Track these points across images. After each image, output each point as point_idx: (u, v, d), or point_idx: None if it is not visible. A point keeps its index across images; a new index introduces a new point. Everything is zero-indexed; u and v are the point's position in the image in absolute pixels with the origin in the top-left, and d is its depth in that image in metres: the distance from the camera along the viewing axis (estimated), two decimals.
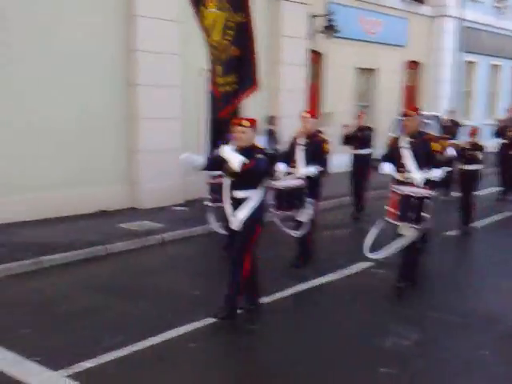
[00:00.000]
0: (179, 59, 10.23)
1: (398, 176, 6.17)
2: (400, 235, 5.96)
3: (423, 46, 17.65)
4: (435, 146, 6.26)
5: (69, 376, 4.24)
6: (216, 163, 5.34)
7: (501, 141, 11.98)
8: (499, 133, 12.08)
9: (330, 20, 13.36)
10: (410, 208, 5.77)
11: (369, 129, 9.85)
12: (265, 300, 5.73)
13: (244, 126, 5.15)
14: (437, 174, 6.13)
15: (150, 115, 9.81)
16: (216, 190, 6.87)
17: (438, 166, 6.21)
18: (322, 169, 6.79)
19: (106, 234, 8.04)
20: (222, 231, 6.82)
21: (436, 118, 12.67)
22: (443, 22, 17.94)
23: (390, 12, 15.92)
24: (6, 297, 5.94)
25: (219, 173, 5.86)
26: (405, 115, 6.43)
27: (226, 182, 5.27)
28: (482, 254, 8.18)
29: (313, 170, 6.74)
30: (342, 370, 4.46)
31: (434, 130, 9.31)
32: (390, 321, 5.39)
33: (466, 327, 5.32)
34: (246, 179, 5.09)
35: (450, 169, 8.82)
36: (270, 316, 5.50)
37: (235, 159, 5.00)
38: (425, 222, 5.89)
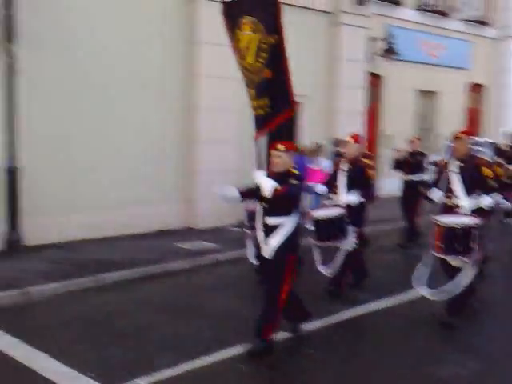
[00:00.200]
0: (238, 84, 10.37)
1: (446, 201, 5.86)
2: (454, 269, 5.58)
3: (487, 69, 17.19)
4: (486, 172, 5.90)
5: None
6: (252, 191, 5.11)
7: None
8: None
9: (389, 43, 13.26)
10: (456, 240, 5.39)
11: (421, 154, 9.54)
12: (317, 324, 5.65)
13: (279, 151, 4.98)
14: (486, 201, 5.74)
15: (208, 138, 9.99)
16: (253, 217, 6.76)
17: (490, 192, 5.81)
18: (362, 199, 6.52)
19: (163, 252, 8.19)
20: (253, 260, 6.71)
21: (489, 143, 12.11)
22: (509, 44, 17.45)
23: (452, 35, 15.64)
24: (66, 312, 6.11)
25: None
26: (455, 138, 6.09)
27: (259, 208, 5.13)
28: None
29: (353, 198, 6.49)
30: None
31: (487, 156, 8.90)
32: (448, 349, 5.19)
33: None
34: (278, 205, 4.91)
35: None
36: (322, 340, 5.40)
37: (267, 184, 4.85)
38: (474, 253, 5.45)
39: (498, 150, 11.52)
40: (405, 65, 14.24)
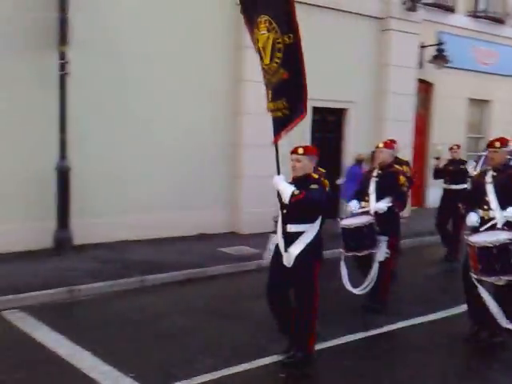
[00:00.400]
0: None
1: (482, 214, 5.45)
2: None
3: None
4: None
5: None
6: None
7: None
8: None
9: (440, 50, 13.00)
10: (493, 259, 4.94)
11: (463, 162, 9.22)
12: (357, 336, 5.60)
13: (299, 154, 4.79)
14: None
15: (254, 142, 10.02)
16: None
17: None
18: (390, 203, 6.21)
19: (206, 256, 8.26)
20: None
21: None
22: None
23: (506, 42, 15.21)
24: (110, 312, 6.25)
25: None
26: (489, 146, 5.69)
27: (280, 214, 4.84)
28: None
29: (382, 205, 6.21)
30: None
31: None
32: (494, 367, 5.02)
33: None
34: (298, 212, 4.65)
35: None
36: (362, 352, 5.33)
37: (285, 190, 4.63)
38: None
39: None
40: (456, 72, 13.92)
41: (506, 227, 5.20)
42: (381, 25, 12.09)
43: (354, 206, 6.38)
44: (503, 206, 5.31)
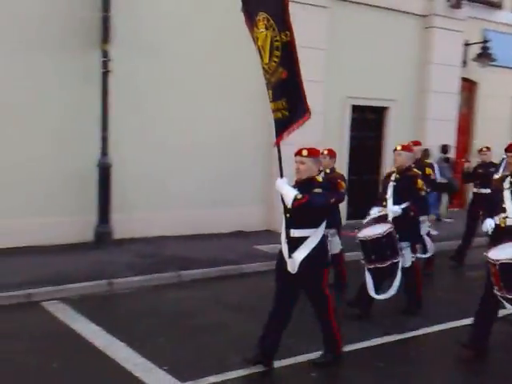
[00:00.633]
0: (323, 87, 10.36)
1: (499, 222, 5.09)
2: None
3: None
4: None
5: None
6: None
7: None
8: None
9: (485, 48, 12.68)
10: None
11: (494, 165, 8.67)
12: (390, 338, 5.56)
13: (303, 156, 4.67)
14: None
15: (288, 140, 9.91)
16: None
17: None
18: (405, 205, 5.96)
19: (242, 253, 8.34)
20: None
21: None
22: None
23: None
24: (146, 305, 6.38)
25: None
26: (507, 150, 5.33)
27: (283, 219, 4.70)
28: None
29: (396, 208, 5.96)
30: None
31: None
32: None
33: None
34: (301, 216, 4.50)
35: None
36: (395, 354, 5.29)
37: (288, 194, 4.51)
38: None
39: None
40: (501, 71, 13.53)
41: None
42: (424, 22, 11.90)
43: (374, 212, 6.19)
44: None
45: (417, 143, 8.05)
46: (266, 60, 4.73)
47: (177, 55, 9.11)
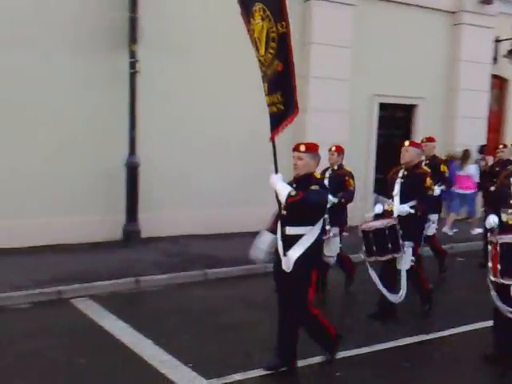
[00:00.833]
0: (349, 85, 10.31)
1: (506, 218, 4.92)
2: None
3: None
4: None
5: None
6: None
7: None
8: None
9: None
10: None
11: (511, 163, 8.47)
12: (415, 339, 5.51)
13: (300, 152, 4.54)
14: None
15: (318, 139, 9.95)
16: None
17: None
18: (412, 203, 5.79)
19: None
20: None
21: None
22: None
23: None
24: (172, 303, 6.47)
25: None
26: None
27: (279, 216, 4.58)
28: None
29: (406, 208, 5.77)
30: None
31: None
32: None
33: None
34: (296, 214, 4.38)
35: None
36: (420, 355, 5.24)
37: (282, 190, 4.39)
38: None
39: None
40: None
41: None
42: (453, 19, 11.74)
43: (377, 209, 6.04)
44: None
45: (430, 139, 7.94)
46: (262, 52, 4.63)
47: (203, 55, 9.18)
